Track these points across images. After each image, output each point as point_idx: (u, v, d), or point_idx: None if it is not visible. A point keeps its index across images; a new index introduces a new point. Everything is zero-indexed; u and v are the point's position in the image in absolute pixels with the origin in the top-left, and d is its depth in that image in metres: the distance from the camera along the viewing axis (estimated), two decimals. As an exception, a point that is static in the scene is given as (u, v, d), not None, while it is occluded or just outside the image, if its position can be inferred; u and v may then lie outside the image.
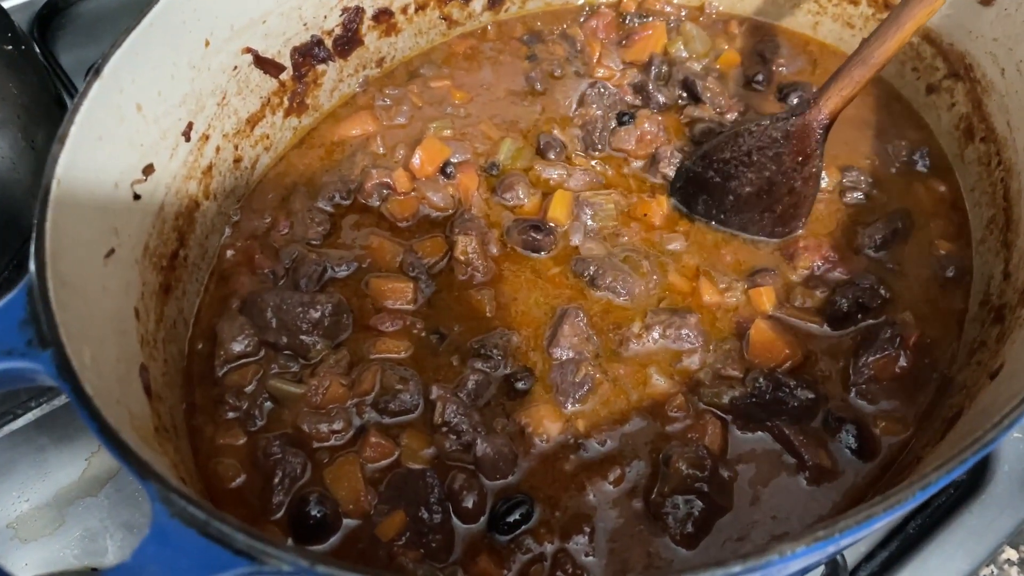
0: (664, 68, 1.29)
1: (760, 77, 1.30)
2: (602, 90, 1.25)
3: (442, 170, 1.17)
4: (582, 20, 1.39)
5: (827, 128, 1.06)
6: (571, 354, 0.99)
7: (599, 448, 0.93)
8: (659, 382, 0.98)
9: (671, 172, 1.17)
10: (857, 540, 0.77)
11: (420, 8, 1.31)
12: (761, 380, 0.96)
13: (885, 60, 1.01)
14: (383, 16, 1.27)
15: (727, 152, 1.11)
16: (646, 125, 1.20)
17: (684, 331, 1.00)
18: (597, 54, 1.33)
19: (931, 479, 0.60)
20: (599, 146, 1.21)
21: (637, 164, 1.20)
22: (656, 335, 1.00)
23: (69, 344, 0.66)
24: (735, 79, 1.32)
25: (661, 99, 1.26)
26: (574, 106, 1.27)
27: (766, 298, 1.04)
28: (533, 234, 1.09)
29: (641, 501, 0.89)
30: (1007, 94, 1.06)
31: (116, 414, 0.68)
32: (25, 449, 1.09)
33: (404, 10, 1.29)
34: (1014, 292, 0.94)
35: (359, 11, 1.23)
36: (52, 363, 0.65)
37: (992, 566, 1.02)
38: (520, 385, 0.97)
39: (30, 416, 1.09)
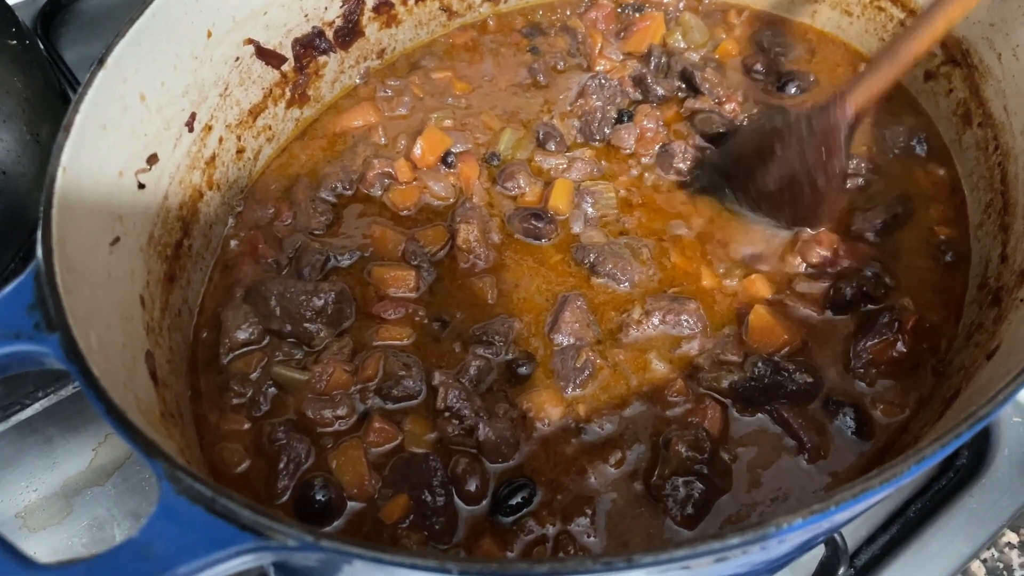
0: (663, 59, 1.30)
1: (759, 67, 1.31)
2: (602, 82, 1.26)
3: (443, 160, 1.17)
4: (582, 11, 1.40)
5: (852, 126, 1.02)
6: (572, 340, 1.00)
7: (599, 432, 0.94)
8: (659, 367, 0.98)
9: (684, 167, 1.17)
10: (855, 515, 0.78)
11: (420, -1, 1.32)
12: (760, 364, 0.96)
13: (915, 57, 0.98)
14: (383, 7, 1.28)
15: (749, 147, 1.11)
16: (645, 122, 1.21)
17: (683, 317, 1.01)
18: (599, 46, 1.33)
19: (926, 453, 0.61)
20: (597, 137, 1.22)
21: (647, 160, 1.20)
22: (656, 321, 1.01)
23: (76, 328, 0.67)
24: (734, 69, 1.32)
25: (660, 91, 1.26)
26: (574, 97, 1.28)
27: (764, 285, 1.05)
28: (534, 222, 1.10)
29: (642, 483, 0.90)
30: (1004, 79, 1.07)
31: (123, 397, 0.69)
32: (33, 439, 1.11)
33: (404, 1, 1.30)
34: (1011, 274, 0.94)
35: (360, 2, 1.24)
36: (59, 346, 0.66)
37: (993, 549, 1.03)
38: (521, 370, 0.98)
39: (38, 406, 1.10)
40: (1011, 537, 1.04)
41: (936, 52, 1.19)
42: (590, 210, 1.13)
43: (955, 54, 1.16)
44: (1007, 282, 0.94)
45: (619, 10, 1.39)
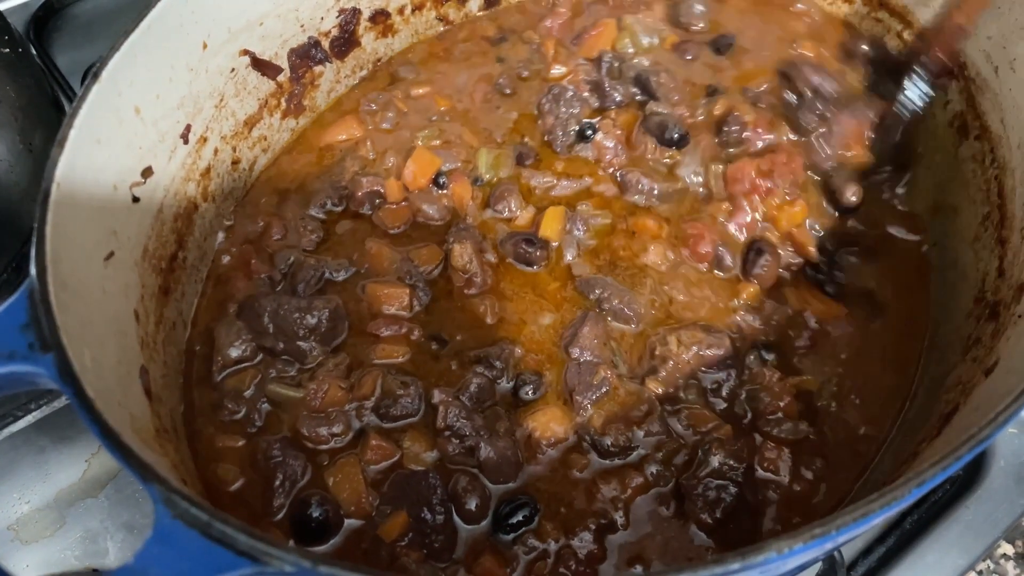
0: (614, 64, 1.27)
1: (688, 46, 1.30)
2: (556, 93, 1.22)
3: (434, 181, 1.15)
4: (538, 20, 1.36)
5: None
6: (589, 356, 0.99)
7: (611, 450, 0.93)
8: (692, 399, 0.98)
9: (642, 200, 1.14)
10: (854, 537, 0.77)
11: (417, 9, 1.31)
12: None
13: None
14: (380, 17, 1.27)
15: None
16: (604, 141, 1.19)
17: (720, 352, 0.99)
18: (552, 52, 1.31)
19: (926, 476, 0.61)
20: (562, 154, 1.20)
21: (612, 170, 1.19)
22: (693, 352, 0.99)
23: (70, 347, 0.67)
24: (679, 56, 1.30)
25: (617, 97, 1.24)
26: (536, 112, 1.25)
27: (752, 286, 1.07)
28: (526, 247, 1.08)
29: (655, 503, 0.90)
30: (1001, 92, 1.07)
31: (118, 416, 0.69)
32: (25, 451, 1.10)
33: (401, 11, 1.29)
34: (1009, 289, 0.94)
35: (356, 12, 1.24)
36: (54, 366, 0.66)
37: (989, 560, 1.03)
38: (527, 389, 0.97)
39: (30, 418, 1.10)
40: (1007, 548, 1.04)
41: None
42: (582, 236, 1.11)
43: (952, 66, 1.16)
44: (1004, 297, 0.94)
45: (574, 17, 1.36)
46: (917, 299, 1.08)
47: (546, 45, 1.32)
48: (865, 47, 1.26)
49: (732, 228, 1.10)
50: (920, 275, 1.10)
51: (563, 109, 1.22)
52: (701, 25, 1.33)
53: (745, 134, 1.17)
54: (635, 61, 1.28)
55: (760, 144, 1.17)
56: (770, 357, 1.01)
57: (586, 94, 1.25)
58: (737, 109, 1.19)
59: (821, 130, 1.16)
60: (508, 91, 1.28)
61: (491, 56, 1.33)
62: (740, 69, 1.27)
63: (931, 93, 1.15)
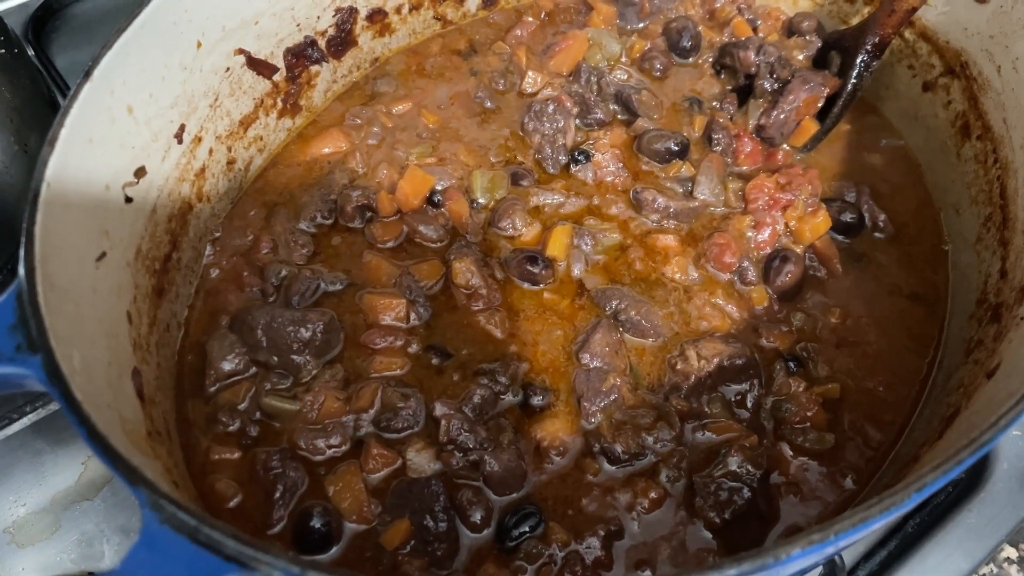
0: (593, 78, 1.26)
1: (652, 51, 1.31)
2: (538, 110, 1.20)
3: (429, 200, 1.13)
4: (507, 31, 1.36)
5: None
6: (599, 363, 0.98)
7: (622, 456, 0.92)
8: (717, 411, 0.97)
9: (657, 219, 1.13)
10: (854, 542, 0.76)
11: (414, 8, 1.31)
12: None
13: None
14: (377, 16, 1.27)
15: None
16: (601, 160, 1.17)
17: (740, 361, 0.98)
18: (524, 60, 1.30)
19: (927, 480, 0.60)
20: (555, 174, 1.19)
21: (613, 181, 1.18)
22: (715, 363, 0.98)
23: (58, 348, 0.66)
24: (646, 60, 1.31)
25: (599, 115, 1.23)
26: (520, 129, 1.23)
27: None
28: (529, 267, 1.06)
29: (668, 507, 0.89)
30: (1003, 91, 1.06)
31: (106, 418, 0.68)
32: (21, 454, 1.09)
33: (398, 10, 1.29)
34: (1011, 291, 0.93)
35: (352, 11, 1.23)
36: (42, 368, 0.65)
37: (992, 564, 1.02)
38: (537, 399, 0.96)
39: (26, 420, 1.09)
40: (1010, 552, 1.03)
41: (935, 64, 1.18)
42: (590, 251, 1.09)
43: (954, 65, 1.15)
44: (1007, 299, 0.93)
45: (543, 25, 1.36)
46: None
47: (518, 54, 1.31)
48: (809, 24, 1.29)
49: (756, 240, 1.09)
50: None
51: (547, 125, 1.20)
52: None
53: (733, 144, 1.18)
54: (614, 77, 1.26)
55: (749, 147, 1.19)
56: (796, 368, 1.00)
57: (568, 104, 1.22)
58: (718, 116, 1.21)
59: (777, 99, 1.19)
60: (489, 104, 1.26)
61: (464, 70, 1.32)
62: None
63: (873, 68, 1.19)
